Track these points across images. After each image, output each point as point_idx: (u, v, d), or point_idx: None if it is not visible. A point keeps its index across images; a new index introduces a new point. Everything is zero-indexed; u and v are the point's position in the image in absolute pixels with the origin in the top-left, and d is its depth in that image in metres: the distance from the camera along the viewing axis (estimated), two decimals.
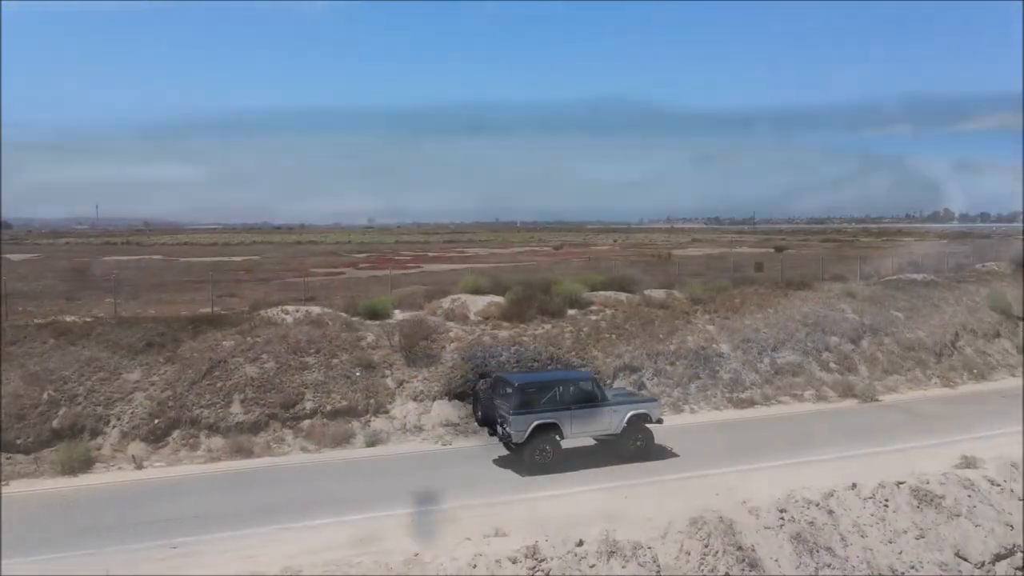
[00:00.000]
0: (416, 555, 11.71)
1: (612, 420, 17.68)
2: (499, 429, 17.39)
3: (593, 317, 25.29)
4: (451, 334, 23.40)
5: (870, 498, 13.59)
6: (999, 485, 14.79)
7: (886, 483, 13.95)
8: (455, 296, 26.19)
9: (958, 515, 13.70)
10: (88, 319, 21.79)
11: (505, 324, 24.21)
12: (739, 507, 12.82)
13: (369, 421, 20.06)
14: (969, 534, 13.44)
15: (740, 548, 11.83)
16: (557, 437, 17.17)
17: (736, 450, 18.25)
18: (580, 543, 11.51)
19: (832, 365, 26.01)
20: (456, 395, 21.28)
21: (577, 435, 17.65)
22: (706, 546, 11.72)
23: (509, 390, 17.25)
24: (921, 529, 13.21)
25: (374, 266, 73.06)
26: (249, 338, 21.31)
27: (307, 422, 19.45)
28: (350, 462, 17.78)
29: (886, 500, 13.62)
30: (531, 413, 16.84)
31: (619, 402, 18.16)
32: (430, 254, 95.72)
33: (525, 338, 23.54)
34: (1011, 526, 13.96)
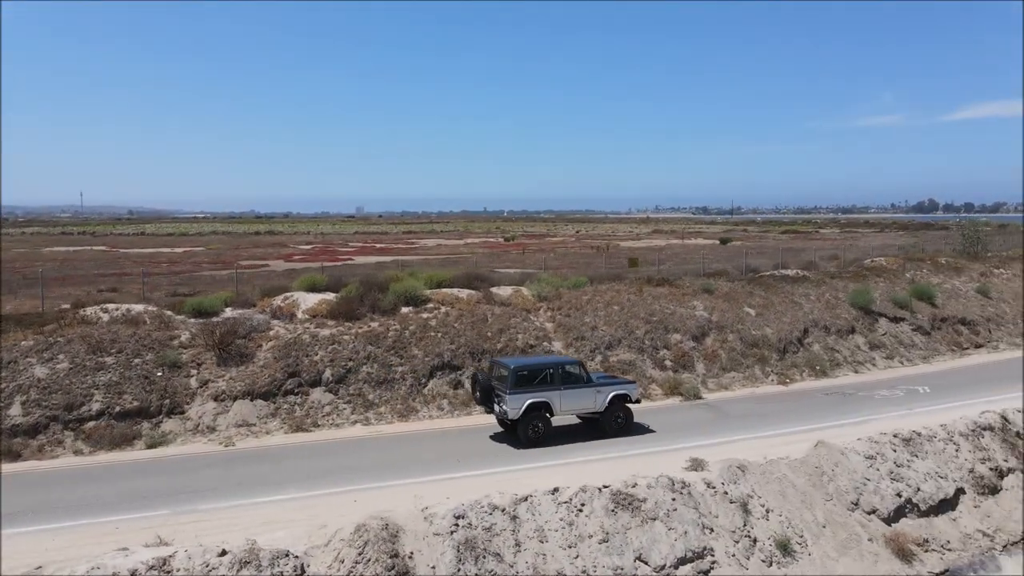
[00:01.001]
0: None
1: (596, 399, 19.77)
2: (496, 407, 19.13)
3: (426, 315, 25.34)
4: (271, 332, 23.43)
5: (566, 502, 13.72)
6: (714, 488, 14.96)
7: (588, 487, 14.09)
8: (288, 294, 26.18)
9: (654, 519, 13.86)
10: None
11: (330, 322, 24.24)
12: (416, 514, 12.92)
13: (160, 422, 20.07)
14: (659, 538, 13.60)
15: (394, 556, 11.93)
16: (548, 414, 19.13)
17: (474, 456, 18.19)
18: (223, 553, 11.58)
19: (667, 363, 26.16)
20: (259, 395, 21.33)
21: (565, 412, 19.62)
22: (360, 554, 11.82)
23: (505, 372, 18.99)
24: (607, 533, 13.36)
25: (307, 258, 73.06)
26: (51, 337, 21.26)
27: (91, 424, 19.42)
28: (110, 466, 17.76)
29: (582, 504, 13.76)
30: (525, 393, 18.69)
31: (602, 384, 20.15)
32: (378, 245, 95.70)
33: (347, 336, 23.59)
34: (710, 529, 14.15)
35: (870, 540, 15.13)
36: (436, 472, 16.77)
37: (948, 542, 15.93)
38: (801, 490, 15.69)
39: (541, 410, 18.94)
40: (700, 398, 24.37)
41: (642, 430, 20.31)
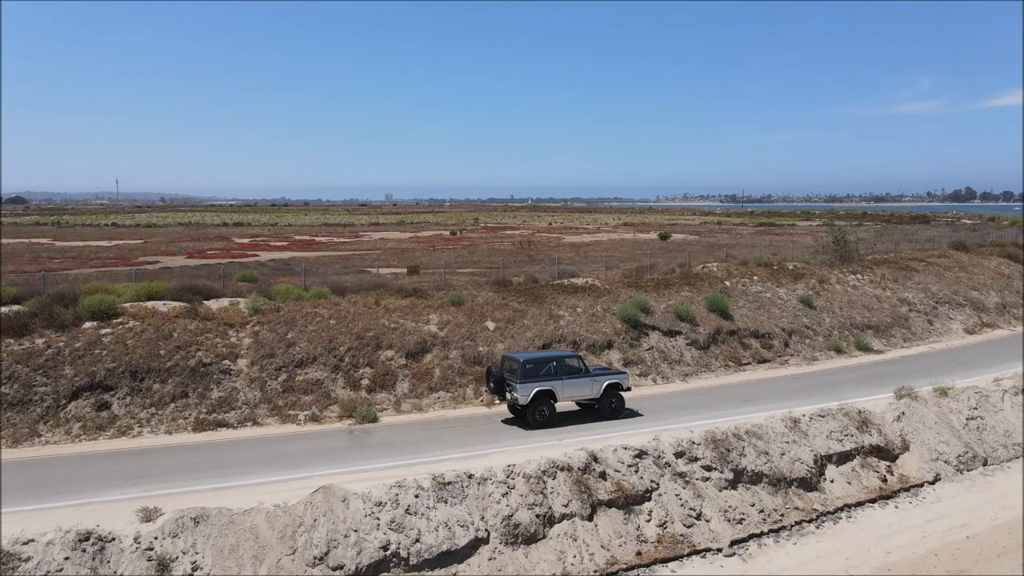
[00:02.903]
0: None
1: (593, 387, 22.99)
2: (507, 395, 22.39)
3: (107, 331, 24.47)
4: None
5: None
6: (139, 543, 13.89)
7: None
8: None
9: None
10: None
11: None
12: None
13: None
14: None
15: None
16: (552, 400, 22.24)
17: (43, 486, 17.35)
18: None
19: (365, 382, 25.02)
20: None
21: (567, 399, 22.87)
22: None
23: (515, 365, 22.26)
24: None
25: (223, 252, 72.68)
26: None
27: None
28: None
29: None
30: (533, 382, 21.91)
31: (598, 374, 23.44)
32: (319, 239, 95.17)
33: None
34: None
35: None
36: None
37: None
38: (262, 543, 14.56)
39: (547, 397, 22.06)
40: (376, 421, 23.23)
41: (632, 414, 23.56)
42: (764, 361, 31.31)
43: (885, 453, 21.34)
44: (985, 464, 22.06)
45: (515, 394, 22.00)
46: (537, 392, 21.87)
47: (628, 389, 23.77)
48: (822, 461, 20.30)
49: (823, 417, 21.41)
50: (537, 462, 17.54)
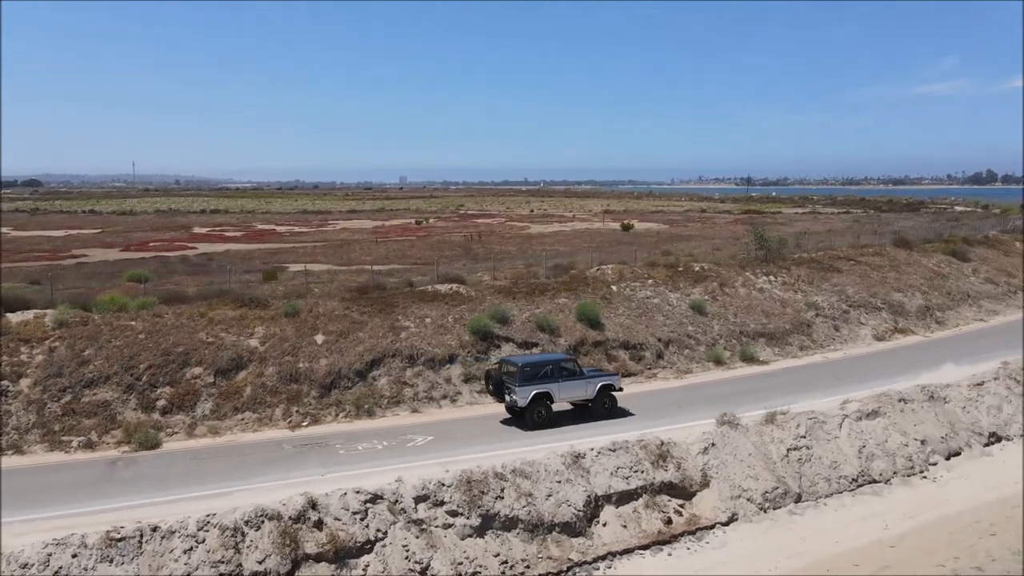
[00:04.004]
0: None
1: (588, 389, 23.99)
2: (506, 398, 23.24)
3: None
4: None
5: None
6: None
7: None
8: None
9: None
10: None
11: None
12: None
13: None
14: None
15: None
16: (549, 402, 23.12)
17: None
18: None
19: (160, 404, 23.50)
20: None
21: (563, 400, 23.76)
22: None
23: (513, 369, 23.17)
24: None
25: (166, 244, 71.47)
26: None
27: None
28: None
29: None
30: (531, 385, 22.76)
31: (592, 376, 24.49)
32: (279, 228, 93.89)
33: None
34: None
35: None
36: None
37: None
38: None
39: (544, 399, 22.89)
40: (157, 447, 21.73)
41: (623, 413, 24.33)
42: (630, 375, 29.36)
43: (680, 491, 19.53)
44: (798, 500, 20.18)
45: (514, 397, 22.81)
46: (535, 395, 22.74)
47: (620, 390, 24.77)
48: (598, 502, 18.53)
49: (614, 451, 19.60)
50: (243, 509, 15.93)
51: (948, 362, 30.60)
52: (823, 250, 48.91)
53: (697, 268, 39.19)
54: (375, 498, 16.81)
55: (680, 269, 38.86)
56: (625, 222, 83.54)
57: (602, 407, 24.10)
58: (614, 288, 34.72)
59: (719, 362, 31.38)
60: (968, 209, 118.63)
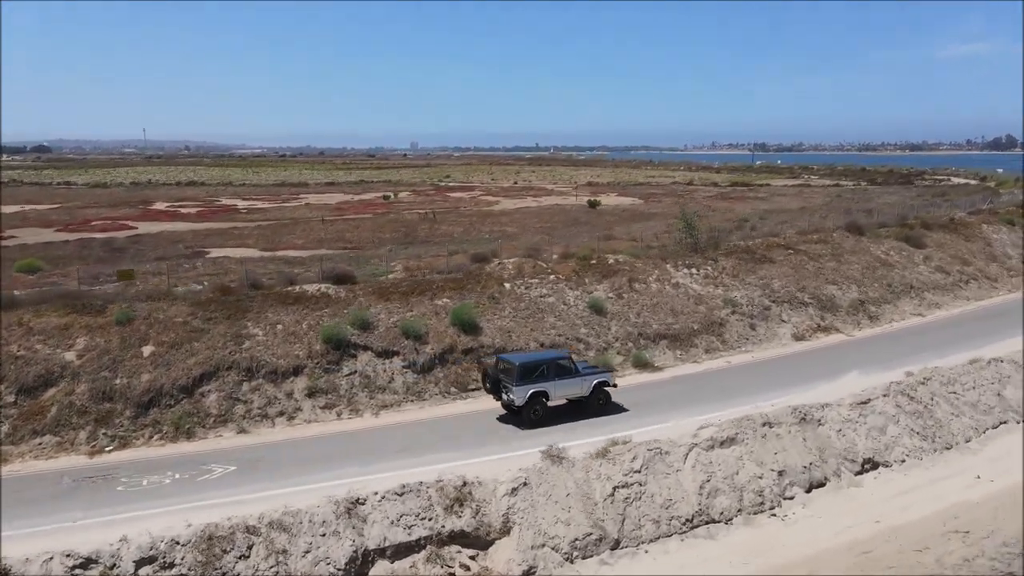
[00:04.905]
0: None
1: (583, 386, 24.21)
2: (503, 396, 23.34)
3: None
4: None
5: None
6: None
7: None
8: None
9: None
10: None
11: None
12: None
13: None
14: None
15: None
16: (545, 400, 23.34)
17: None
18: None
19: None
20: None
21: (559, 398, 23.97)
22: None
23: (511, 367, 23.27)
24: None
25: (111, 223, 69.20)
26: None
27: None
28: None
29: None
30: (528, 384, 22.95)
31: (587, 373, 24.52)
32: (240, 204, 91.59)
33: None
34: None
35: None
36: None
37: None
38: None
39: (540, 397, 23.14)
40: None
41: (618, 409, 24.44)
42: None
43: (475, 540, 17.38)
44: (615, 547, 17.95)
45: (511, 396, 22.96)
46: (532, 393, 22.93)
47: (615, 386, 24.99)
48: (368, 558, 16.41)
49: (401, 495, 17.42)
50: None
51: (855, 370, 28.14)
52: (775, 235, 46.25)
53: (611, 261, 36.70)
54: (87, 563, 14.77)
55: (593, 262, 36.39)
56: (591, 199, 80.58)
57: (597, 404, 24.38)
58: (507, 286, 32.35)
59: (609, 370, 29.01)
60: (964, 182, 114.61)
